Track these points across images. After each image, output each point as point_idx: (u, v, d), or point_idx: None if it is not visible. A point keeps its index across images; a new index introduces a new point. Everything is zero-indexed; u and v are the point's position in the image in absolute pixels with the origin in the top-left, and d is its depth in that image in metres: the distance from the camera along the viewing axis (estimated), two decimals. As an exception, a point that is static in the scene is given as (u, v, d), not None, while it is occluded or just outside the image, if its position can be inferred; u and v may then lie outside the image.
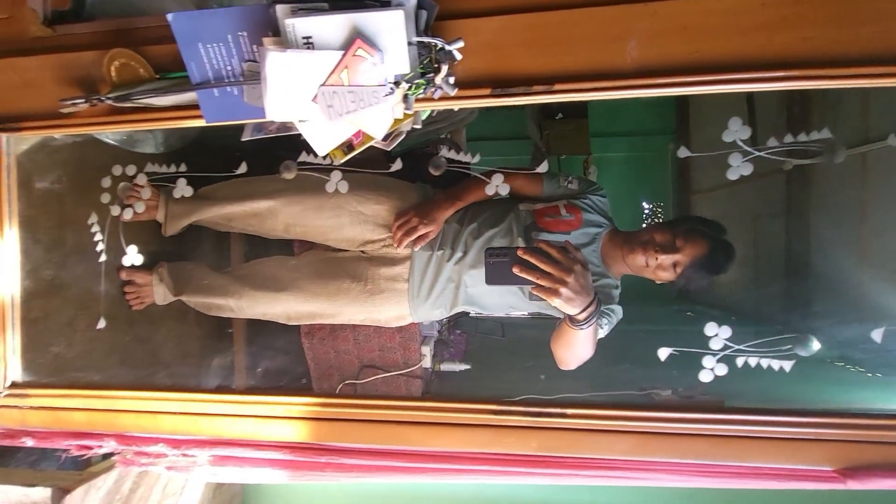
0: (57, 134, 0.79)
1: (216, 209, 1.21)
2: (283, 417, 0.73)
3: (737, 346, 0.63)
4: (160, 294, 1.32)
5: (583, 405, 0.66)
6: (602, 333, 1.03)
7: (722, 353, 0.64)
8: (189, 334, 1.59)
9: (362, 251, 1.20)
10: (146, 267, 1.34)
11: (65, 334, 1.15)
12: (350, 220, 1.15)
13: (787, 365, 0.64)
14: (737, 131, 0.64)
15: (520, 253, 0.76)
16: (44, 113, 0.79)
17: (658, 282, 1.08)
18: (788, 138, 0.65)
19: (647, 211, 3.30)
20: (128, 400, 0.76)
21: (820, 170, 1.46)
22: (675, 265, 1.01)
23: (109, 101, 0.74)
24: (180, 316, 1.52)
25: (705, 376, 0.65)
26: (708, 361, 0.65)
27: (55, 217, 1.12)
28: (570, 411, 0.66)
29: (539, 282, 0.76)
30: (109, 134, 1.08)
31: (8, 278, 0.80)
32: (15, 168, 0.81)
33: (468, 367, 2.05)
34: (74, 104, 0.75)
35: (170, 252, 1.40)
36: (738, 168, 0.64)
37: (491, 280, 0.78)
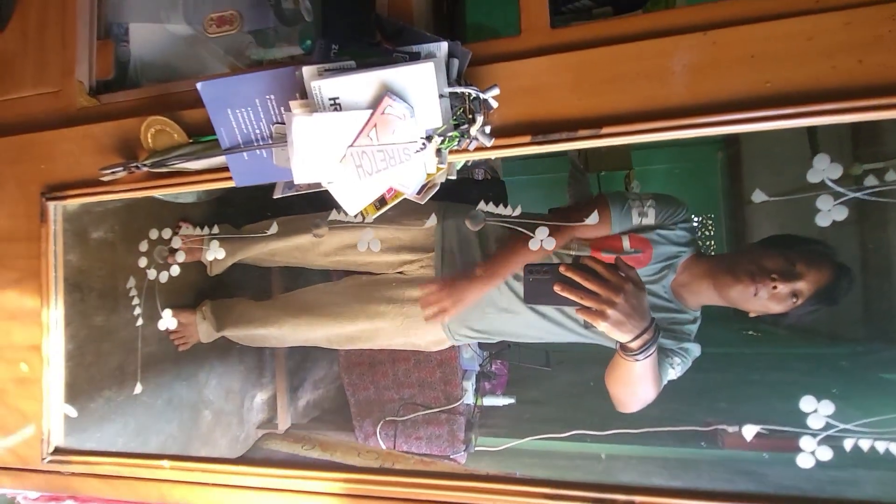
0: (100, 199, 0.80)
1: (260, 246, 1.22)
2: (307, 492, 0.69)
3: (843, 426, 0.53)
4: (204, 332, 1.34)
5: (657, 492, 0.56)
6: (673, 375, 0.91)
7: (825, 434, 0.54)
8: (232, 371, 1.60)
9: (400, 272, 1.18)
10: (189, 306, 1.36)
11: (112, 385, 1.17)
12: (389, 247, 1.13)
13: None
14: (824, 170, 0.55)
15: (562, 270, 0.69)
16: (87, 180, 0.81)
17: (757, 314, 0.91)
18: (891, 176, 0.55)
19: (696, 223, 3.10)
20: (169, 470, 0.74)
21: None
22: (794, 295, 0.85)
23: (146, 168, 0.74)
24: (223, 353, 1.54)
25: (805, 461, 0.55)
26: (807, 443, 0.54)
27: (105, 270, 1.15)
28: (638, 499, 0.57)
29: (583, 302, 0.67)
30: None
31: (53, 345, 0.82)
32: (62, 235, 0.83)
33: (512, 400, 1.95)
34: (114, 173, 0.76)
35: (211, 290, 1.42)
36: (830, 213, 0.55)
37: (530, 299, 0.72)
